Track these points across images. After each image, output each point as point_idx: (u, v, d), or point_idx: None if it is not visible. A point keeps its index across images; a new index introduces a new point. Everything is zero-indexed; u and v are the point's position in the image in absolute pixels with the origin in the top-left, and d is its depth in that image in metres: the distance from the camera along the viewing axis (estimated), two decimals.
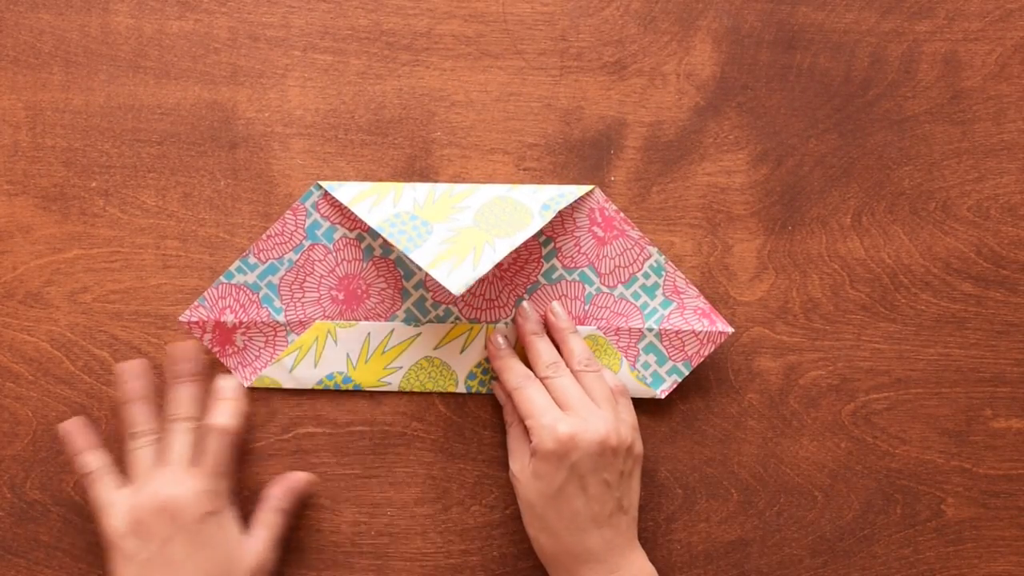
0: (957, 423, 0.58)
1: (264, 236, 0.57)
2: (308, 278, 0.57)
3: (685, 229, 0.58)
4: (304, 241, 0.57)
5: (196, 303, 0.56)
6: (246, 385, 0.57)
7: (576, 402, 0.53)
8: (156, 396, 0.55)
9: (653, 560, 0.55)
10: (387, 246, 0.57)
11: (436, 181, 0.58)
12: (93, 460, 0.53)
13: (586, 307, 0.57)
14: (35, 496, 0.57)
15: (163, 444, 0.53)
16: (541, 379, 0.54)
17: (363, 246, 0.57)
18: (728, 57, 0.58)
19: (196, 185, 0.58)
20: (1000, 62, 0.58)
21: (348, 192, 0.56)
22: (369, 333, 0.57)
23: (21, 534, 0.57)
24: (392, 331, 0.57)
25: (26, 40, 0.58)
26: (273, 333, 0.57)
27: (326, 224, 0.57)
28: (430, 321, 0.57)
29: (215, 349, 0.56)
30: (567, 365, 0.55)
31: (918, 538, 0.58)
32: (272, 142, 0.58)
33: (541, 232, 0.57)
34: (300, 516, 0.57)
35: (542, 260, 0.57)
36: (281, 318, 0.57)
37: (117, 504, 0.52)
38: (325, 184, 0.57)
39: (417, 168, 0.58)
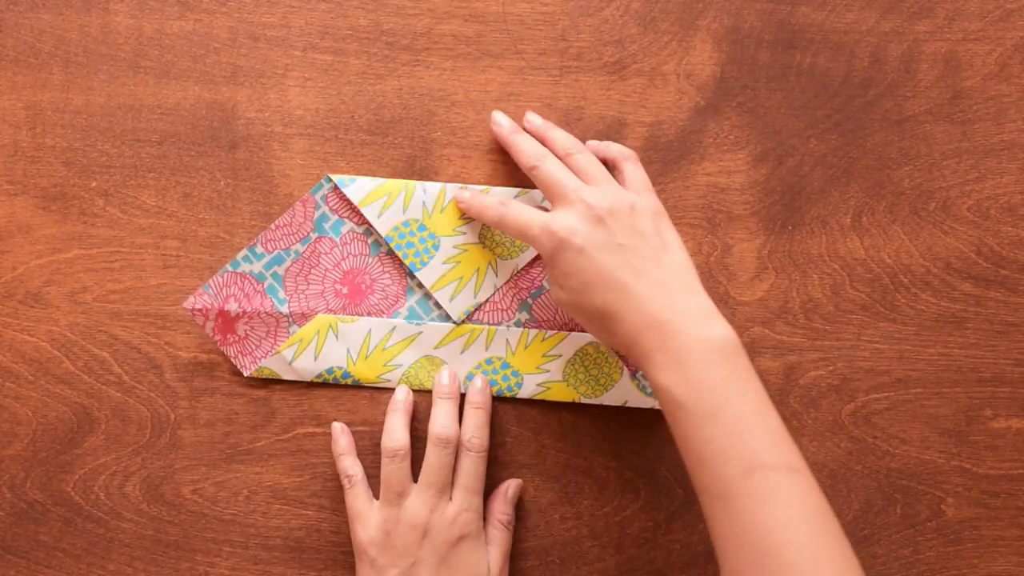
0: (957, 423, 0.58)
1: (272, 226, 0.57)
2: (313, 270, 0.57)
3: (685, 229, 0.58)
4: (312, 233, 0.57)
5: (200, 290, 0.56)
6: (245, 375, 0.57)
7: (565, 187, 0.51)
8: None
9: (653, 560, 0.55)
10: None
11: (436, 181, 0.58)
12: (353, 466, 0.55)
13: None
14: (35, 496, 0.57)
15: (422, 463, 0.54)
16: (529, 170, 0.53)
17: (370, 241, 0.57)
18: (728, 57, 0.58)
19: (196, 185, 0.58)
20: (1000, 62, 0.58)
21: (359, 190, 0.56)
22: (371, 329, 0.57)
23: (21, 534, 0.57)
24: (394, 328, 0.57)
25: (26, 40, 0.58)
26: (275, 324, 0.57)
27: (334, 217, 0.57)
28: (432, 320, 0.57)
29: (216, 338, 0.56)
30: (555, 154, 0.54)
31: (918, 538, 0.58)
32: (272, 142, 0.58)
33: None
34: (299, 516, 0.57)
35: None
36: (284, 309, 0.57)
37: (373, 517, 0.53)
38: (335, 178, 0.57)
39: (417, 168, 0.58)
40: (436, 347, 0.57)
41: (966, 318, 0.58)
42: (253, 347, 0.57)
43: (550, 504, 0.58)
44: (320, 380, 0.57)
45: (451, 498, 0.53)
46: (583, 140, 0.58)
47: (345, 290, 0.57)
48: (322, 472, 0.57)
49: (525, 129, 0.56)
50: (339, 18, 0.58)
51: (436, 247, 0.56)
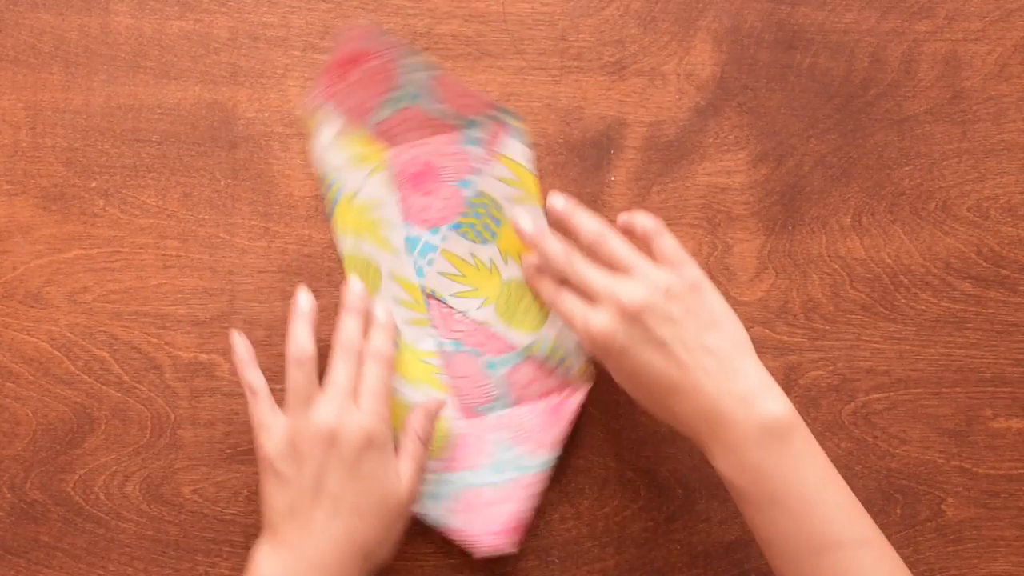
0: (957, 423, 0.58)
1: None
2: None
3: (685, 229, 0.58)
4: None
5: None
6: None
7: (596, 284, 0.50)
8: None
9: (653, 560, 0.55)
10: None
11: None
12: (256, 378, 0.52)
13: None
14: (35, 496, 0.57)
15: (326, 371, 0.52)
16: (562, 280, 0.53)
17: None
18: (728, 57, 0.58)
19: (196, 185, 0.58)
20: (1000, 62, 0.58)
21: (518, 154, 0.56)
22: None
23: (21, 534, 0.57)
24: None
25: (26, 40, 0.58)
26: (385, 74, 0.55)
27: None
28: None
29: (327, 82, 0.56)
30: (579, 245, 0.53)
31: (918, 538, 0.58)
32: (272, 142, 0.58)
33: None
34: None
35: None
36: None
37: (276, 427, 0.51)
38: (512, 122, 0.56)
39: None
40: (396, 280, 0.57)
41: (966, 318, 0.58)
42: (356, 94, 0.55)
43: (550, 504, 0.58)
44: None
45: (358, 407, 0.51)
46: (583, 140, 0.58)
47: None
48: None
49: (547, 210, 0.54)
50: (339, 18, 0.58)
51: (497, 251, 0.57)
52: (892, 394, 0.58)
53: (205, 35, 0.58)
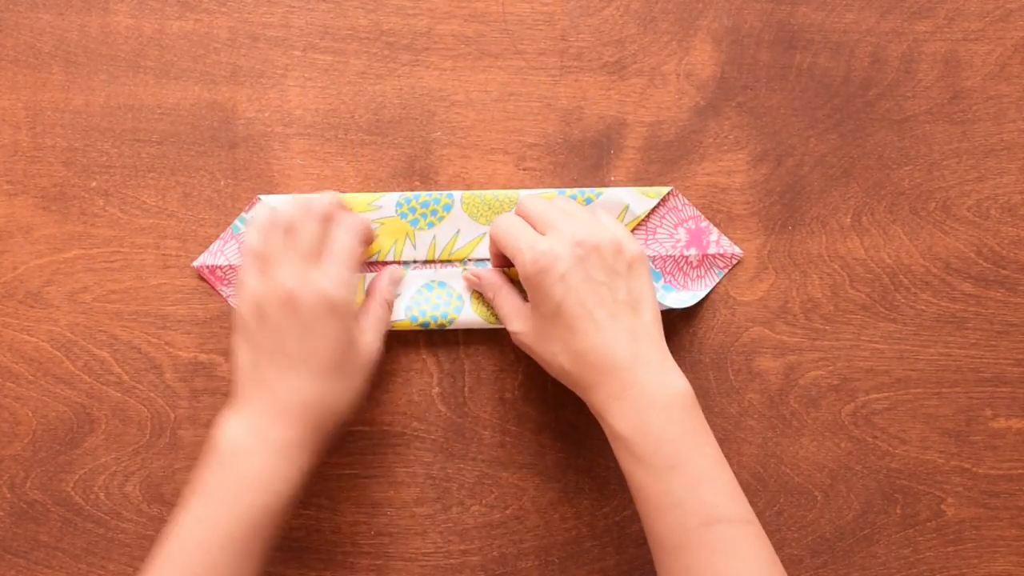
0: (957, 423, 0.58)
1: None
2: None
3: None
4: None
5: (208, 250, 0.57)
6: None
7: (551, 218, 0.51)
8: None
9: (652, 560, 0.54)
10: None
11: (436, 181, 0.58)
12: (256, 238, 0.52)
13: None
14: (35, 496, 0.57)
15: (295, 234, 0.52)
16: (517, 209, 0.54)
17: None
18: (728, 57, 0.58)
19: (196, 185, 0.58)
20: (1000, 62, 0.58)
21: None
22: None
23: (21, 534, 0.57)
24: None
25: (26, 40, 0.58)
26: None
27: None
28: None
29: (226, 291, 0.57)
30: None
31: (918, 538, 0.58)
32: (272, 142, 0.58)
33: None
34: (299, 516, 0.57)
35: None
36: None
37: (249, 286, 0.51)
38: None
39: (417, 168, 0.58)
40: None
41: (966, 318, 0.58)
42: None
43: (550, 504, 0.58)
44: None
45: (322, 270, 0.51)
46: (583, 140, 0.58)
47: None
48: (322, 472, 0.57)
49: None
50: (339, 18, 0.58)
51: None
52: (892, 394, 0.58)
53: (205, 35, 0.58)
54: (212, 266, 0.57)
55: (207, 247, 0.57)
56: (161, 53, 0.58)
